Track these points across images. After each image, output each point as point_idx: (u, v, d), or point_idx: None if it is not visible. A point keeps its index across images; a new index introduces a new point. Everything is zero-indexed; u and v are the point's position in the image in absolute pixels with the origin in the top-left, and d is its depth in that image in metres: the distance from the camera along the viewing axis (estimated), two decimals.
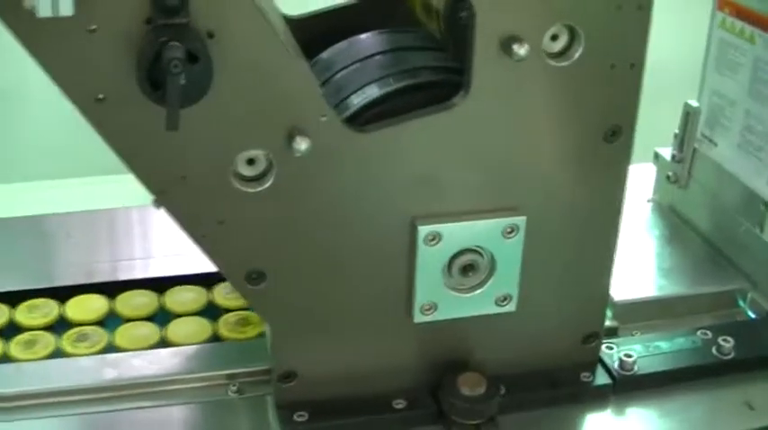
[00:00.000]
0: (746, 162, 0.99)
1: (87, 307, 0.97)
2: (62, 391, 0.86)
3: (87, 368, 0.88)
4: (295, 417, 0.82)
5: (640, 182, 1.12)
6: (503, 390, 0.84)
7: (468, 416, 0.81)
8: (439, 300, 0.80)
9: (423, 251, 0.78)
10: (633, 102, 0.78)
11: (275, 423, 0.82)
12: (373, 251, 0.78)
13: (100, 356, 0.90)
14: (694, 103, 1.03)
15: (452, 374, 0.82)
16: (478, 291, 0.81)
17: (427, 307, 0.80)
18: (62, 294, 0.98)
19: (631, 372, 0.88)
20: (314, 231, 0.76)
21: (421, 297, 0.80)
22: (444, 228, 0.77)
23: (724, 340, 0.90)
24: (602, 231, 0.83)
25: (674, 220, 1.10)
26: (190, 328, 0.94)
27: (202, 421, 0.85)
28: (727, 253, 1.03)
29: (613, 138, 0.79)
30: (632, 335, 0.94)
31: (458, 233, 0.78)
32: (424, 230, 0.77)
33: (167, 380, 0.87)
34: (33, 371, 0.88)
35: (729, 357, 0.90)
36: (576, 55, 0.74)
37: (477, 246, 0.79)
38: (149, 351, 0.91)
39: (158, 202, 0.73)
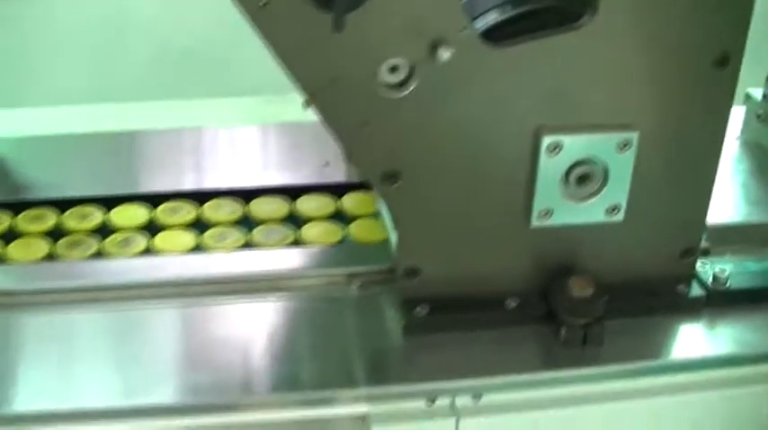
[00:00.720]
0: None
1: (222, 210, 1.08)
2: (199, 281, 0.96)
3: (224, 262, 0.99)
4: (416, 311, 0.91)
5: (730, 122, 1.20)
6: (608, 295, 0.92)
7: (575, 315, 0.90)
8: (555, 207, 0.88)
9: (544, 160, 0.86)
10: (743, 31, 0.86)
11: (398, 316, 0.92)
12: (499, 158, 0.86)
13: (236, 253, 1.00)
14: None
15: (563, 277, 0.91)
16: (591, 201, 0.89)
17: (544, 213, 0.89)
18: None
19: (724, 287, 0.96)
20: (447, 137, 0.85)
21: (539, 203, 0.88)
22: (565, 139, 0.86)
23: None
24: (705, 153, 0.90)
25: (761, 157, 1.17)
26: (322, 230, 1.05)
27: (327, 315, 0.94)
28: None
29: (722, 65, 0.86)
30: (723, 256, 1.02)
31: (577, 144, 0.86)
32: (547, 140, 0.85)
33: (294, 276, 0.97)
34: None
35: None
36: None
37: (594, 158, 0.87)
38: (280, 249, 1.01)
39: (308, 103, 0.82)
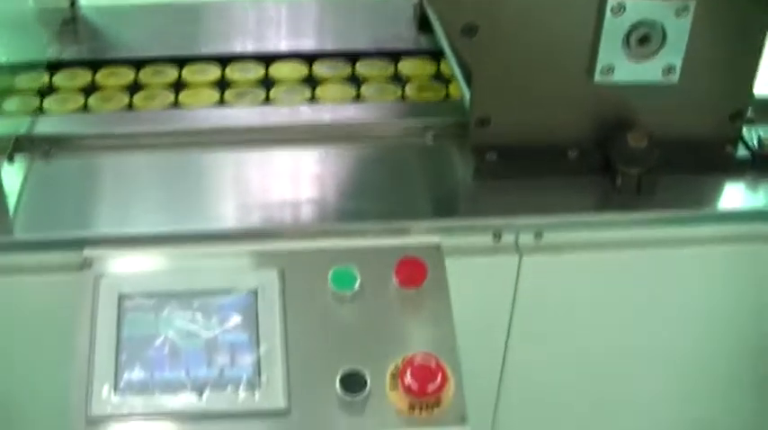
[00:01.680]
0: None
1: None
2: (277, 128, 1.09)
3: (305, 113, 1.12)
4: (487, 157, 1.02)
5: None
6: (656, 152, 1.03)
7: (631, 164, 1.00)
8: (616, 65, 0.99)
9: (608, 19, 0.96)
10: None
11: (470, 161, 1.03)
12: (568, 16, 0.96)
13: (310, 106, 1.13)
14: None
15: (621, 130, 1.01)
16: (649, 61, 0.99)
17: (606, 69, 0.99)
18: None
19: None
20: None
21: (602, 60, 0.98)
22: (628, 1, 0.96)
23: None
24: (753, 21, 1.00)
25: None
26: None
27: (404, 161, 1.06)
28: None
29: None
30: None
31: (639, 7, 0.96)
32: (612, 1, 0.95)
33: (373, 125, 1.09)
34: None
35: None
36: None
37: (654, 21, 0.97)
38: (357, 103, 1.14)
39: None
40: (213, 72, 1.19)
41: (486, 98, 1.01)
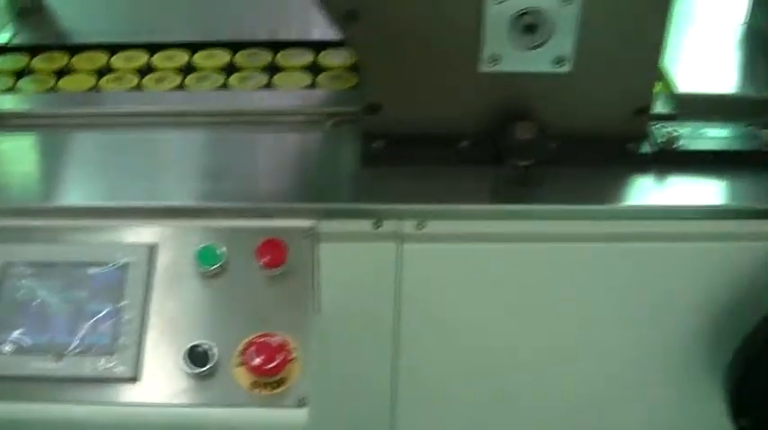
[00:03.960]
0: None
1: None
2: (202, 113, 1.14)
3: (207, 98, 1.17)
4: (375, 144, 1.05)
5: (735, 8, 1.28)
6: (554, 144, 1.04)
7: (517, 156, 1.02)
8: (503, 54, 1.00)
9: (491, 7, 0.98)
10: None
11: (358, 149, 1.06)
12: (452, 3, 0.98)
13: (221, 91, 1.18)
14: None
15: (510, 121, 1.03)
16: (537, 50, 1.00)
17: (492, 59, 1.01)
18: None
19: (674, 147, 1.05)
20: None
21: (487, 49, 1.00)
22: None
23: (766, 133, 1.07)
24: (652, 11, 0.99)
25: (758, 39, 1.24)
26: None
27: (298, 146, 1.10)
28: None
29: None
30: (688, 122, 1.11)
31: None
32: None
33: (273, 112, 1.13)
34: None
35: None
36: None
37: (540, 8, 0.98)
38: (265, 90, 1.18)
39: None
40: (140, 59, 1.25)
41: (374, 85, 1.04)
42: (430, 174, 1.04)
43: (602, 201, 1.02)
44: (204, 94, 1.18)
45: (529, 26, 0.99)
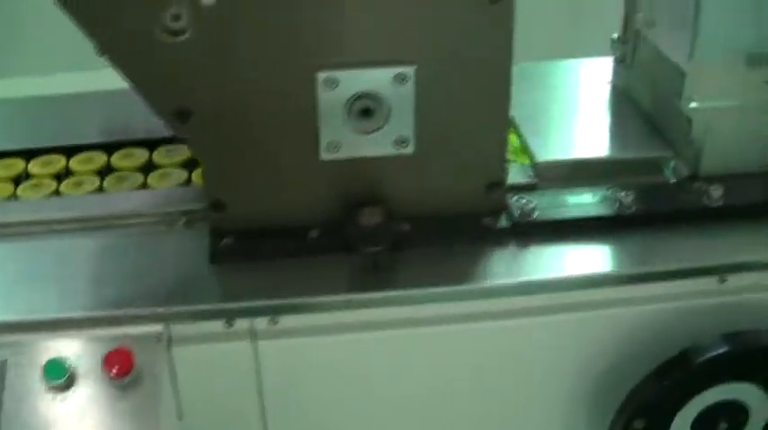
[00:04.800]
0: (671, 38, 1.13)
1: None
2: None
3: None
4: (224, 241, 1.03)
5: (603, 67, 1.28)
6: (406, 226, 1.03)
7: (365, 244, 1.00)
8: (342, 140, 0.99)
9: (324, 95, 0.97)
10: None
11: (207, 246, 1.04)
12: (284, 95, 0.97)
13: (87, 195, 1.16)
14: None
15: (358, 207, 1.01)
16: (377, 133, 0.99)
17: (332, 146, 0.99)
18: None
19: (530, 218, 1.04)
20: (231, 76, 0.96)
21: (325, 136, 0.99)
22: (341, 74, 0.96)
23: (626, 195, 1.06)
24: (492, 86, 0.99)
25: (621, 99, 1.24)
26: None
27: (147, 247, 1.07)
28: (659, 126, 1.17)
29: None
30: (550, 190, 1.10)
31: (354, 79, 0.96)
32: (323, 76, 0.96)
33: (129, 215, 1.11)
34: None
35: (630, 211, 1.05)
36: None
37: (373, 92, 0.97)
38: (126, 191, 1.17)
39: (101, 51, 0.95)
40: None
41: (216, 182, 1.02)
42: (281, 268, 1.02)
43: (457, 282, 1.01)
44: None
45: (365, 110, 0.98)
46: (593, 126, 1.19)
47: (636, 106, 1.22)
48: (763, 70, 1.10)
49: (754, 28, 1.08)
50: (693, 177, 1.11)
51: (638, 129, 1.18)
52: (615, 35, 1.24)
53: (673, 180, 1.12)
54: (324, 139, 0.99)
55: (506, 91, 1.00)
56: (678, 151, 1.13)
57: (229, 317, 1.00)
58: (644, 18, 1.19)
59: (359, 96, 0.97)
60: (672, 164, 1.12)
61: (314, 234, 1.03)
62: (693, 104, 1.10)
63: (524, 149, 1.14)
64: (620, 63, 1.23)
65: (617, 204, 1.06)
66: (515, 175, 1.10)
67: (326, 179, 1.02)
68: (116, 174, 1.20)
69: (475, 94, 0.99)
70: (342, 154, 1.00)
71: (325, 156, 1.00)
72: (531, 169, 1.11)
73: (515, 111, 1.16)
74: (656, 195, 1.08)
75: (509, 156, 1.12)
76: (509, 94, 1.00)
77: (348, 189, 1.02)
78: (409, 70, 0.96)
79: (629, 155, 1.14)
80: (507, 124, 1.02)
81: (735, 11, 1.06)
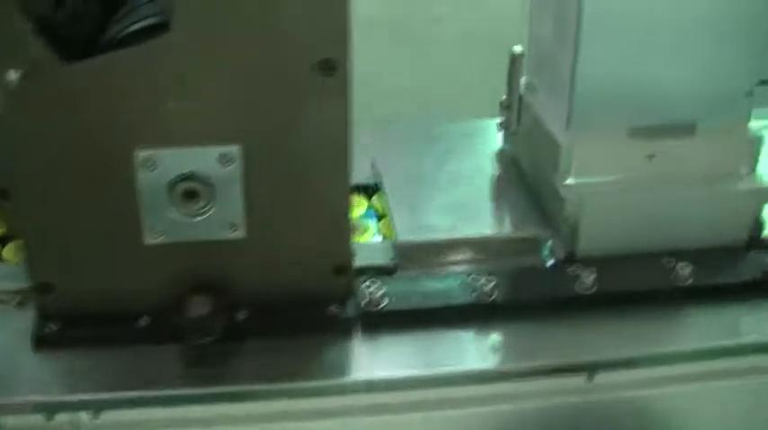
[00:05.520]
0: (550, 105, 1.05)
1: None
2: None
3: None
4: (49, 326, 0.97)
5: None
6: (243, 315, 0.96)
7: (191, 335, 0.93)
8: (167, 224, 0.92)
9: (144, 176, 0.90)
10: (342, 37, 0.87)
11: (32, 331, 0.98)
12: (102, 175, 0.91)
13: None
14: (518, 48, 1.09)
15: (191, 294, 0.95)
16: (204, 217, 0.92)
17: (157, 230, 0.93)
18: None
19: (379, 308, 0.97)
20: (45, 157, 0.90)
21: (148, 219, 0.92)
22: (161, 154, 0.90)
23: (487, 282, 0.98)
24: (329, 165, 0.92)
25: (509, 169, 1.16)
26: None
27: None
28: (540, 201, 1.09)
29: (327, 72, 0.88)
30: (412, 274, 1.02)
31: (174, 160, 0.90)
32: (141, 156, 0.90)
33: None
34: None
35: (490, 300, 0.97)
36: None
37: (197, 173, 0.91)
38: None
39: None
40: None
41: (42, 263, 0.96)
42: (107, 358, 0.96)
43: (289, 378, 0.93)
44: None
45: (189, 192, 0.92)
46: (471, 199, 1.11)
47: (522, 178, 1.14)
48: (645, 144, 1.02)
49: (635, 98, 1.00)
50: (570, 259, 1.03)
51: (521, 203, 1.10)
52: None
53: (550, 262, 1.04)
54: (147, 223, 0.93)
55: (345, 168, 0.93)
56: (556, 230, 1.05)
57: (50, 410, 0.94)
58: (527, 81, 1.11)
59: (182, 178, 0.91)
60: (549, 244, 1.04)
61: (143, 322, 0.97)
62: (569, 180, 1.02)
63: (390, 224, 1.07)
64: (504, 130, 1.15)
65: (476, 292, 0.98)
66: (374, 256, 1.03)
67: (154, 264, 0.95)
68: None
69: (310, 174, 0.93)
70: (168, 238, 0.93)
71: (149, 240, 0.93)
72: (392, 249, 1.04)
73: (387, 180, 1.10)
74: (524, 281, 1.01)
75: (373, 232, 1.06)
76: (348, 172, 0.93)
77: (178, 275, 0.96)
78: (233, 150, 0.90)
79: (504, 234, 1.06)
80: (348, 204, 0.95)
81: (614, 79, 0.99)
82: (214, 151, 0.90)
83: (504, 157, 1.19)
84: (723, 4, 0.97)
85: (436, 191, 1.12)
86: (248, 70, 0.88)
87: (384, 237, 1.08)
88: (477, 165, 1.17)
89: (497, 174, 1.16)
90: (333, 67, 0.88)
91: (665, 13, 0.97)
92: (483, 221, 1.08)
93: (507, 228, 1.07)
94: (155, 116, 0.89)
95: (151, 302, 0.97)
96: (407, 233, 1.04)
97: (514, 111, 1.11)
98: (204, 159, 0.90)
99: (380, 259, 1.03)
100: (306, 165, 0.92)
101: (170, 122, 0.89)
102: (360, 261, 1.01)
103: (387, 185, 1.10)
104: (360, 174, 1.13)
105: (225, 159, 0.90)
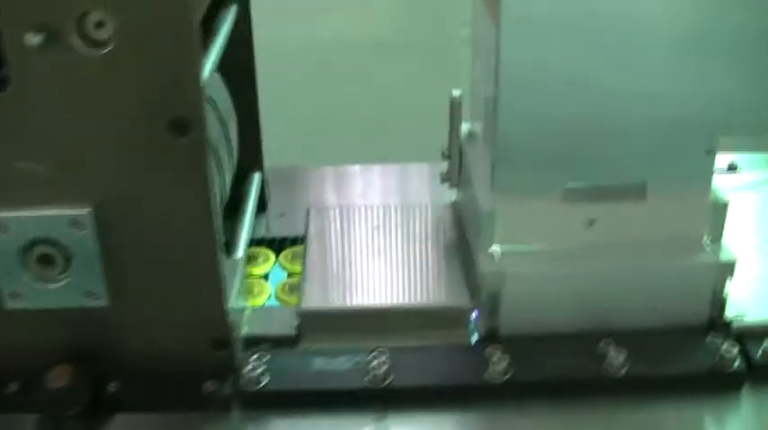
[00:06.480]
0: (478, 159, 0.92)
1: None
2: None
3: None
4: None
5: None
6: (114, 387, 0.89)
7: (51, 407, 0.87)
8: (24, 290, 0.86)
9: None
10: (197, 96, 0.79)
11: None
12: None
13: None
14: (456, 92, 0.96)
15: (52, 364, 0.88)
16: (61, 283, 0.86)
17: (14, 295, 0.87)
18: None
19: (258, 387, 0.87)
20: None
21: (6, 285, 0.86)
22: (11, 217, 0.83)
23: (380, 365, 0.86)
24: (193, 232, 0.84)
25: (453, 226, 1.03)
26: None
27: None
28: (469, 268, 0.96)
29: (180, 132, 0.80)
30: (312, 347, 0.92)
31: (24, 223, 0.83)
32: None
33: None
34: None
35: (380, 386, 0.86)
36: (115, 43, 0.77)
37: (50, 238, 0.84)
38: None
39: None
40: None
41: None
42: None
43: None
44: None
45: (45, 257, 0.85)
46: (402, 262, 1.00)
47: (461, 236, 1.01)
48: (584, 208, 0.88)
49: (571, 153, 0.87)
50: (492, 337, 0.91)
51: (456, 268, 0.98)
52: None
53: (474, 338, 0.92)
54: (4, 288, 0.87)
55: (212, 235, 0.84)
56: (478, 303, 0.92)
57: None
58: (467, 130, 0.98)
59: (34, 242, 0.85)
60: (473, 318, 0.92)
61: (13, 388, 0.91)
62: (491, 248, 0.89)
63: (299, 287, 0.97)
64: (444, 181, 1.02)
65: (369, 375, 0.87)
66: (275, 325, 0.94)
67: (19, 329, 0.89)
68: None
69: (173, 241, 0.84)
70: (26, 304, 0.87)
71: (10, 304, 0.87)
72: (295, 316, 0.94)
73: (313, 236, 1.00)
74: (430, 363, 0.89)
75: (269, 294, 0.97)
76: (215, 238, 0.84)
77: (45, 342, 0.89)
78: (83, 213, 0.83)
79: (423, 304, 0.94)
80: (221, 272, 0.86)
81: (544, 130, 0.85)
82: (65, 214, 0.83)
83: (455, 211, 1.06)
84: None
85: (362, 250, 1.01)
86: (95, 128, 0.81)
87: (280, 302, 0.98)
88: (423, 222, 1.05)
89: (444, 232, 1.04)
90: (186, 126, 0.80)
91: (606, 50, 0.83)
92: (405, 290, 0.96)
93: (434, 298, 0.95)
94: (2, 176, 0.83)
95: (22, 368, 0.91)
96: (313, 299, 0.94)
97: (455, 162, 0.99)
98: (56, 223, 0.83)
99: (281, 328, 0.93)
100: (166, 232, 0.84)
101: (18, 183, 0.83)
102: (256, 328, 0.93)
103: (309, 241, 1.00)
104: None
105: (76, 223, 0.83)
